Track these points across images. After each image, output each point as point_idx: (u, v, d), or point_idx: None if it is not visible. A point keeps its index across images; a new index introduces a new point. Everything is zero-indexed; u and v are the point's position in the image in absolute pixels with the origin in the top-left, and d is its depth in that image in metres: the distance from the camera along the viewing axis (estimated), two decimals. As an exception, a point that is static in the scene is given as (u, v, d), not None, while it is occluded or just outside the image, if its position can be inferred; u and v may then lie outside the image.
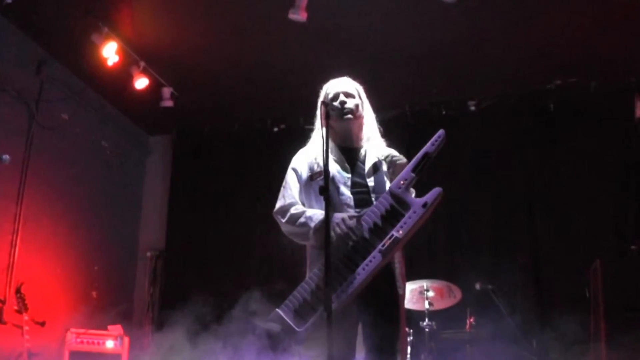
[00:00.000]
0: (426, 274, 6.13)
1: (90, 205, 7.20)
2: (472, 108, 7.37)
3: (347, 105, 3.42)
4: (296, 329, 2.91)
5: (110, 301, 7.21)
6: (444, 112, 7.41)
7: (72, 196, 6.90)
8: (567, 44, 6.40)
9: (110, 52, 6.23)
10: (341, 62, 5.77)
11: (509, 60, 6.70)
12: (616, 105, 6.89)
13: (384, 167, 3.36)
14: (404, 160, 3.36)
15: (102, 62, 6.29)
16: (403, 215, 2.94)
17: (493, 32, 6.30)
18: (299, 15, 5.68)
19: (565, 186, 6.90)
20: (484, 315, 5.86)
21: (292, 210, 3.30)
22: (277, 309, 3.00)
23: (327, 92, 3.52)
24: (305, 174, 3.41)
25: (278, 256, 6.90)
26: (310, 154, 3.44)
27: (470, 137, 7.10)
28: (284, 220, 3.33)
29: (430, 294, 5.86)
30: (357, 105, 3.46)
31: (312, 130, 3.61)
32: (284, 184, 3.46)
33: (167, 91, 7.11)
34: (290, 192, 3.37)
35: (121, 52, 6.38)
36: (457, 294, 5.93)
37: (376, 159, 3.39)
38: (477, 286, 6.01)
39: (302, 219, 3.22)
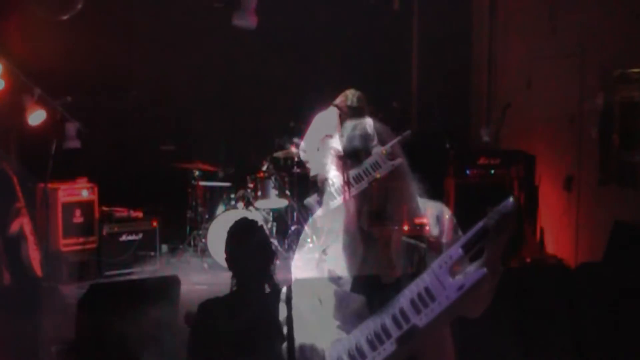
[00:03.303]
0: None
1: (-28, 285, 6.91)
2: (486, 138, 7.46)
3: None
4: None
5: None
6: (447, 145, 7.45)
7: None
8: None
9: (-7, 77, 6.32)
10: (309, 80, 5.70)
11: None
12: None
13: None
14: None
15: (-18, 90, 6.34)
16: (434, 301, 3.05)
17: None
18: (247, 21, 5.60)
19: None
20: None
21: None
22: None
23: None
24: None
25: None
26: None
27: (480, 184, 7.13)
28: None
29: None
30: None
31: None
32: None
33: (72, 127, 7.05)
34: None
35: (8, 76, 6.49)
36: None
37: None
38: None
39: None
